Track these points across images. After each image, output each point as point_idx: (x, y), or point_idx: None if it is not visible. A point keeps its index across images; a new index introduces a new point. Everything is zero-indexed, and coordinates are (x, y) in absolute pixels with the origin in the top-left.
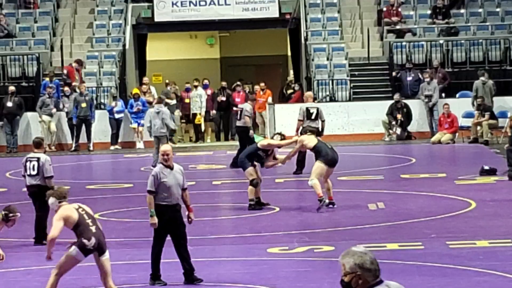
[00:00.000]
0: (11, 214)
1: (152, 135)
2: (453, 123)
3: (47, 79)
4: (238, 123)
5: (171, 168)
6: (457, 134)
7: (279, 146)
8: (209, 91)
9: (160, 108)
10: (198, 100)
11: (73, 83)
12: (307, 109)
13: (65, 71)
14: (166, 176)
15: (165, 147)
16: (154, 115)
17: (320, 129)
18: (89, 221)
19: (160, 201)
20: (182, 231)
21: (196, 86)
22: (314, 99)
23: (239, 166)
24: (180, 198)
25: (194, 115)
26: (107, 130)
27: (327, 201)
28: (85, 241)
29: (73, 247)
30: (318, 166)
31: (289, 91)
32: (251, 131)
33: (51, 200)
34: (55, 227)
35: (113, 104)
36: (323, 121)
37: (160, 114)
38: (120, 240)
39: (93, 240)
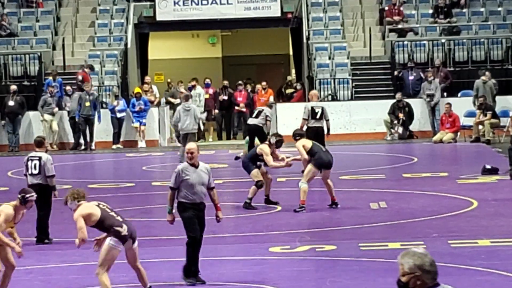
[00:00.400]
0: (27, 196)
1: (180, 133)
2: (455, 122)
3: (50, 77)
4: (253, 121)
5: (196, 167)
6: (459, 133)
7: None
8: (211, 90)
9: (190, 105)
10: (197, 99)
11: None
12: (312, 108)
13: (79, 77)
14: (189, 174)
15: (190, 145)
16: (184, 112)
17: (326, 128)
18: (112, 213)
19: (183, 198)
20: (201, 231)
21: (194, 86)
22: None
23: (244, 169)
24: (204, 197)
25: None
26: (109, 129)
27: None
28: (118, 228)
29: (108, 239)
30: (310, 170)
31: (288, 91)
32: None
33: (69, 202)
34: (81, 227)
35: (115, 103)
36: (327, 121)
37: (192, 111)
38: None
39: (125, 226)
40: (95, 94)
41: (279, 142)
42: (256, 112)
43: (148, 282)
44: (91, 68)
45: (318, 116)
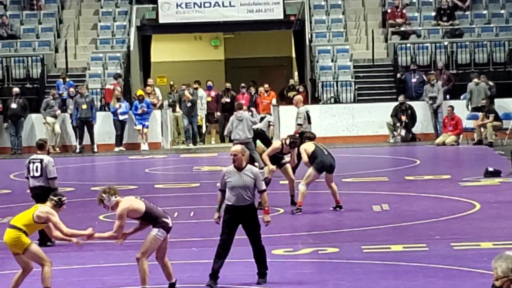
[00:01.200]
0: (63, 198)
1: (234, 142)
2: (457, 125)
3: (61, 80)
4: (257, 126)
5: (240, 169)
6: (461, 136)
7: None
8: (213, 93)
9: (242, 114)
10: (199, 101)
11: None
12: (307, 113)
13: (118, 89)
14: (231, 177)
15: (235, 147)
16: (236, 122)
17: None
18: (152, 204)
19: (227, 200)
20: (252, 234)
21: (196, 88)
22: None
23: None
24: (249, 200)
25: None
26: (111, 132)
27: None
28: (166, 220)
29: (155, 229)
30: (310, 173)
31: (291, 93)
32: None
33: (106, 199)
34: (121, 225)
35: (117, 105)
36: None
37: (245, 121)
38: (124, 242)
39: (169, 218)
40: (91, 96)
41: (293, 143)
42: (259, 117)
43: (174, 277)
44: (119, 76)
45: (311, 120)
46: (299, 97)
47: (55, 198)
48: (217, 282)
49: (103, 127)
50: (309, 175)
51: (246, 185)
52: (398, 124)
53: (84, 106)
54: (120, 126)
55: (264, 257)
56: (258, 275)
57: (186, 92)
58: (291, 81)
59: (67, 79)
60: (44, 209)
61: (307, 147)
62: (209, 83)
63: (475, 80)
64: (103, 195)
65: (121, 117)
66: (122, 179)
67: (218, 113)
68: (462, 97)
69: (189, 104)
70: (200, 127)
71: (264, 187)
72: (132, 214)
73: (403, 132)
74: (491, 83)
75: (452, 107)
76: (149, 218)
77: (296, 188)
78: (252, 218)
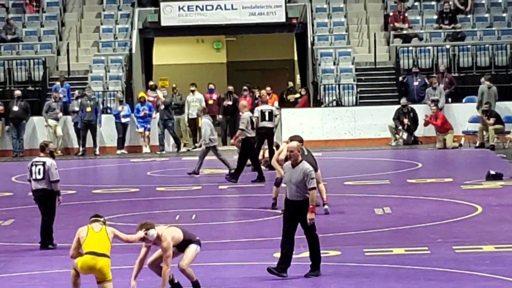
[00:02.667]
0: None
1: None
2: (444, 124)
3: (58, 83)
4: (268, 124)
5: (294, 166)
6: (463, 138)
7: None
8: (215, 96)
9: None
10: (198, 104)
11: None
12: (251, 118)
13: (162, 97)
14: (286, 172)
15: (291, 144)
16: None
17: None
18: (185, 229)
19: (285, 193)
20: (306, 227)
21: (193, 91)
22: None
23: None
24: (300, 196)
25: (194, 119)
26: (113, 135)
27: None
28: (198, 238)
29: (195, 246)
30: None
31: (290, 96)
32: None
33: (150, 233)
34: (170, 256)
35: (120, 108)
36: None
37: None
38: (125, 245)
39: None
40: (96, 99)
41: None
42: (267, 114)
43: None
44: (153, 87)
45: (267, 118)
46: (244, 102)
47: (101, 220)
48: (286, 271)
49: (105, 130)
50: None
51: (295, 181)
52: (400, 127)
53: (89, 109)
54: (122, 128)
55: (318, 249)
56: (311, 268)
57: (160, 94)
58: (290, 84)
59: (64, 82)
60: (110, 229)
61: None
62: (211, 86)
63: (487, 82)
64: (146, 229)
65: (123, 120)
66: (124, 182)
67: (220, 116)
68: (464, 100)
69: (162, 107)
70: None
71: (313, 185)
72: (175, 242)
73: (405, 135)
74: (493, 87)
75: (436, 106)
76: (185, 243)
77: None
78: (299, 213)
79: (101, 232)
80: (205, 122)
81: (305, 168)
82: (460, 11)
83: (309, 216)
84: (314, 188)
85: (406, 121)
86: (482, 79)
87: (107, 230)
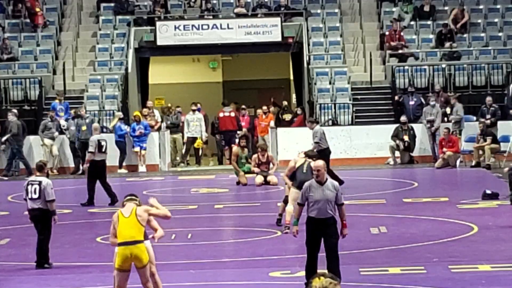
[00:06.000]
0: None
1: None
2: (454, 145)
3: (57, 100)
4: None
5: (322, 184)
6: (461, 156)
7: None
8: (200, 115)
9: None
10: (198, 123)
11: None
12: (99, 141)
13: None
14: (313, 191)
15: (317, 162)
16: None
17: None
18: None
19: (309, 213)
20: (330, 244)
21: (194, 110)
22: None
23: None
24: (331, 213)
25: (194, 139)
26: (112, 154)
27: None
28: None
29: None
30: (292, 191)
31: (285, 116)
32: None
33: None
34: None
35: (125, 127)
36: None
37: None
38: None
39: None
40: (91, 117)
41: (310, 157)
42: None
43: None
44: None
45: (103, 149)
46: (95, 125)
47: (137, 199)
48: None
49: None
50: (291, 193)
51: (328, 198)
52: (400, 143)
53: (84, 128)
54: (125, 148)
55: (338, 268)
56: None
57: (157, 113)
58: (285, 103)
59: (63, 100)
60: (142, 208)
61: (296, 161)
62: (198, 105)
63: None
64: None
65: (122, 139)
66: (120, 201)
67: (206, 134)
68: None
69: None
70: (198, 149)
71: (343, 201)
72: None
73: (405, 145)
74: (495, 105)
75: (448, 129)
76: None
77: None
78: (332, 230)
79: (131, 216)
80: None
81: (335, 184)
82: (454, 33)
83: (345, 231)
84: (344, 204)
85: (406, 138)
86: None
87: (138, 211)
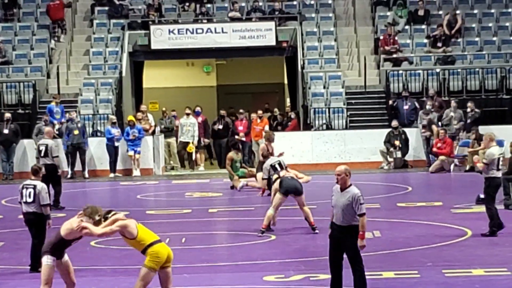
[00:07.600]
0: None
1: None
2: (447, 146)
3: (53, 103)
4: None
5: (342, 190)
6: (455, 160)
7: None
8: (200, 119)
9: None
10: (191, 128)
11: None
12: (38, 146)
13: None
14: (334, 195)
15: (339, 168)
16: None
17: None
18: None
19: (332, 217)
20: (349, 253)
21: (188, 114)
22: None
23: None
24: (346, 221)
25: (186, 143)
26: (103, 158)
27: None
28: None
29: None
30: (276, 197)
31: (276, 122)
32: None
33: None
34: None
35: (115, 131)
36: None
37: None
38: (116, 268)
39: None
40: (82, 122)
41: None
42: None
43: None
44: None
45: (42, 154)
46: (47, 129)
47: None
48: None
49: (95, 153)
50: (275, 199)
51: (342, 206)
52: (392, 149)
53: (76, 132)
54: (114, 151)
55: (363, 279)
56: None
57: (150, 117)
58: (276, 111)
59: (59, 103)
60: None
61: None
62: (198, 108)
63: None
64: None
65: (116, 143)
66: (114, 205)
67: (206, 140)
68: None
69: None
70: (191, 154)
71: (363, 211)
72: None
73: (398, 154)
74: (477, 110)
75: (445, 130)
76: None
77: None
78: (348, 238)
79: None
80: None
81: (354, 193)
82: (449, 37)
83: (360, 243)
84: (364, 214)
85: (397, 142)
86: None
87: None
